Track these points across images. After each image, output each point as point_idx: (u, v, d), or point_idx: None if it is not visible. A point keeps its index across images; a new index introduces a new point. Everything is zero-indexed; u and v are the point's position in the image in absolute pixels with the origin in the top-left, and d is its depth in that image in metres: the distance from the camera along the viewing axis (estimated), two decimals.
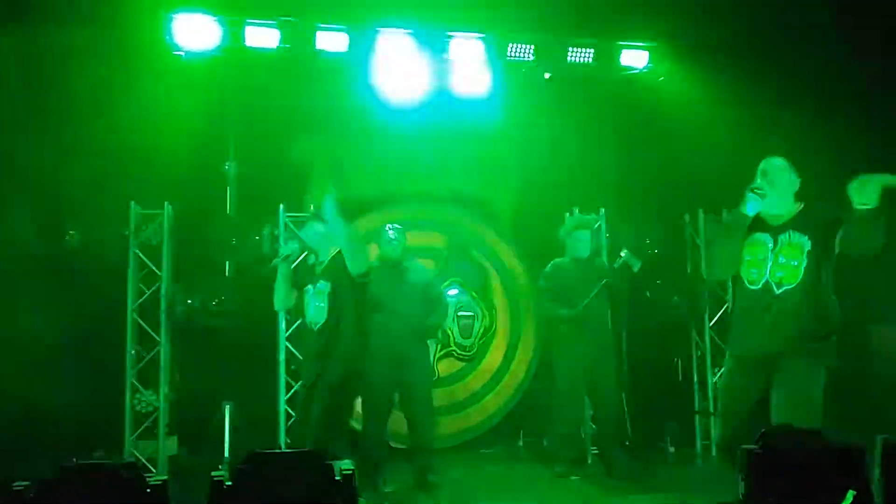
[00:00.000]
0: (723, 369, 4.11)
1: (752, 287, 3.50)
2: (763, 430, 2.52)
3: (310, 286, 4.43)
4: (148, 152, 5.63)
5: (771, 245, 3.47)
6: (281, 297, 4.54)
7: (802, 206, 3.54)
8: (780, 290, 3.43)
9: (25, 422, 5.21)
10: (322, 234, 4.48)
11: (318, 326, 4.33)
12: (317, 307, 4.35)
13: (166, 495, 2.35)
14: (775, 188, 3.49)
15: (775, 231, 3.50)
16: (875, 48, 6.07)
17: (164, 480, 2.37)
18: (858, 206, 3.21)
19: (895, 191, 3.22)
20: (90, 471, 2.35)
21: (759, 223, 3.54)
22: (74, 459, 2.42)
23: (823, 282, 3.45)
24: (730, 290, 6.56)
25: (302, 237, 4.62)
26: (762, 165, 3.58)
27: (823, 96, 6.12)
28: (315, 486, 2.35)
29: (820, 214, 3.47)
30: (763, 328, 3.44)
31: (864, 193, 3.20)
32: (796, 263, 3.41)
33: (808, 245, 3.41)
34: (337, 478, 2.34)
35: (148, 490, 2.34)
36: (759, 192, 3.45)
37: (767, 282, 3.45)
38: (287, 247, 4.50)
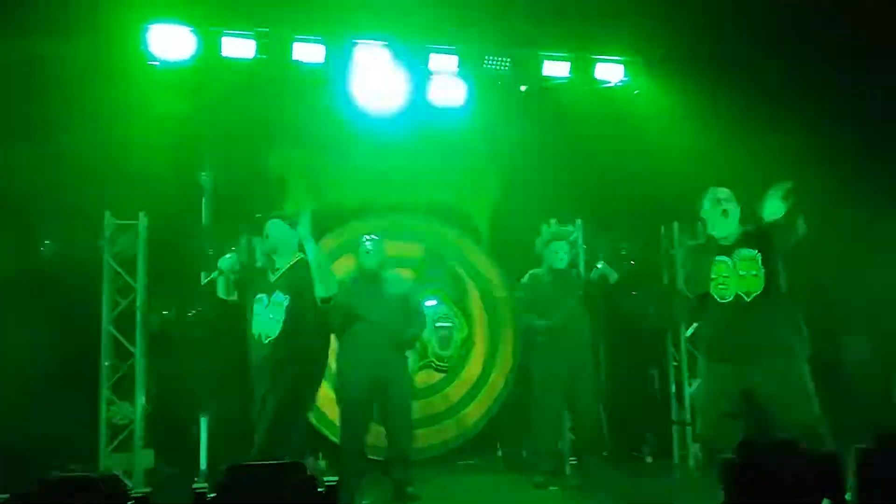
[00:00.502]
0: (700, 378, 4.43)
1: (725, 301, 3.96)
2: (741, 439, 2.56)
3: (263, 296, 4.19)
4: (123, 162, 5.57)
5: (730, 262, 3.98)
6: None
7: (744, 227, 4.08)
8: (750, 298, 3.90)
9: None
10: (285, 237, 4.25)
11: (269, 339, 4.13)
12: (269, 319, 4.13)
13: None
14: (731, 214, 4.06)
15: (729, 250, 4.02)
16: (850, 60, 6.20)
17: (146, 493, 2.34)
18: (770, 220, 3.90)
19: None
20: (71, 484, 2.31)
21: (714, 247, 4.08)
22: (55, 473, 2.38)
23: (783, 284, 3.96)
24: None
25: (268, 235, 4.29)
26: (716, 195, 4.13)
27: (799, 110, 6.23)
28: (298, 498, 2.33)
29: (757, 230, 4.02)
30: (741, 334, 3.88)
31: (769, 208, 3.90)
32: (755, 273, 3.92)
33: (759, 257, 3.94)
34: (320, 489, 2.33)
35: (131, 503, 2.30)
36: (724, 215, 4.04)
37: (737, 294, 3.94)
38: (224, 260, 4.28)
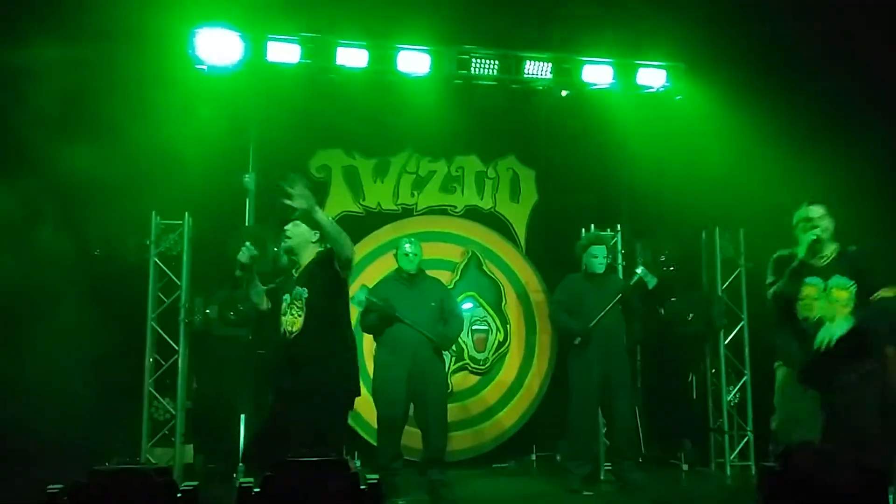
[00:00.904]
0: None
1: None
2: (784, 448, 2.54)
3: (287, 294, 4.11)
4: (169, 164, 5.69)
5: (822, 286, 3.96)
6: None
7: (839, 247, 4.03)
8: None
9: (42, 429, 5.26)
10: (303, 235, 4.14)
11: (292, 336, 3.99)
12: (292, 315, 4.02)
13: (196, 500, 2.38)
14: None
15: (823, 272, 3.96)
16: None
17: (194, 486, 2.40)
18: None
19: None
20: (122, 475, 2.37)
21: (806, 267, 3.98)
22: (107, 464, 2.45)
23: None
24: (745, 308, 6.58)
25: (287, 238, 4.17)
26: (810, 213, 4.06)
27: (840, 120, 6.14)
28: (341, 495, 2.38)
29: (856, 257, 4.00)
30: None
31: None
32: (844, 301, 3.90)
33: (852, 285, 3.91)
34: (362, 487, 2.37)
35: (179, 495, 2.37)
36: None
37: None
38: (242, 252, 4.15)
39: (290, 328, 4.00)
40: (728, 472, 6.31)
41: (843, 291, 3.90)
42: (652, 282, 5.65)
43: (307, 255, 4.18)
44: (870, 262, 3.97)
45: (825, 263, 3.98)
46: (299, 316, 3.98)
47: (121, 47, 5.59)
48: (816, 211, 4.03)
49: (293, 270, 4.23)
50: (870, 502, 2.38)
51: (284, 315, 4.07)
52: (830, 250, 4.01)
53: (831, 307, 3.89)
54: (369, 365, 5.76)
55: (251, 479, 2.46)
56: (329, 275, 3.99)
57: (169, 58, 5.93)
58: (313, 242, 4.15)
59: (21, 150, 5.33)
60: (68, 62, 5.49)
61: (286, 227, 4.19)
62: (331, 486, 2.38)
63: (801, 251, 3.96)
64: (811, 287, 3.96)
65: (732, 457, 6.41)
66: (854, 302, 3.87)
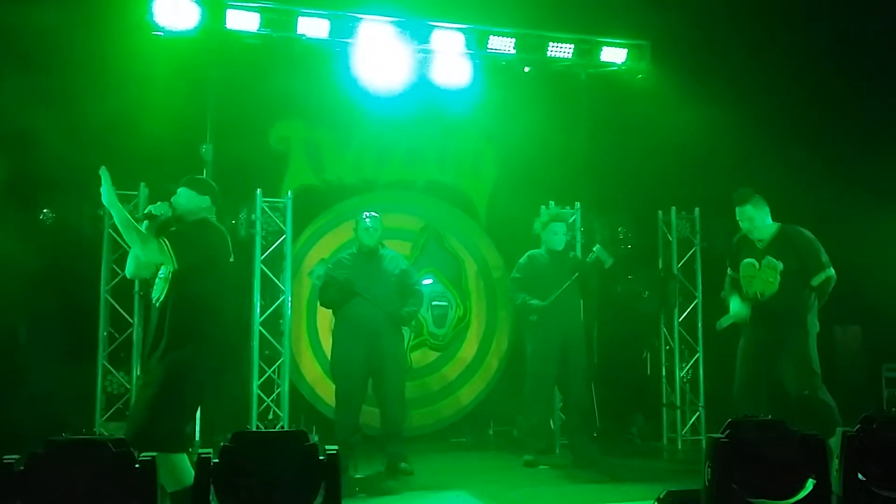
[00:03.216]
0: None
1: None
2: (730, 420, 2.61)
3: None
4: (124, 132, 5.57)
5: (757, 266, 4.72)
6: (139, 263, 3.72)
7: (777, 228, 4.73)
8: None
9: None
10: (190, 201, 3.80)
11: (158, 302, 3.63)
12: (159, 280, 3.65)
13: (154, 472, 2.36)
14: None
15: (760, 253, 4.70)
16: (854, 49, 6.22)
17: (152, 457, 2.38)
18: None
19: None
20: (79, 445, 2.35)
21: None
22: (63, 434, 2.42)
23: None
24: (699, 286, 6.71)
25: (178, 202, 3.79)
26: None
27: (798, 102, 6.26)
28: (300, 465, 2.38)
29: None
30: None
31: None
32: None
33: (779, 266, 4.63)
34: (321, 458, 2.38)
35: (136, 466, 2.35)
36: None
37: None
38: (157, 206, 3.77)
39: (157, 295, 3.69)
40: (679, 447, 6.46)
41: (772, 270, 4.62)
42: (608, 261, 5.72)
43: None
44: (804, 240, 4.63)
45: (763, 246, 4.69)
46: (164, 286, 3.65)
47: (77, 10, 5.43)
48: (740, 213, 4.72)
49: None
50: (811, 469, 2.47)
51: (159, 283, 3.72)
52: (768, 233, 4.69)
53: (765, 283, 4.62)
54: (328, 340, 5.75)
55: (209, 450, 2.45)
56: (198, 244, 3.70)
57: (126, 22, 5.78)
58: (200, 210, 3.80)
59: None
60: (21, 25, 5.32)
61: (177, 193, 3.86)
62: (288, 456, 2.39)
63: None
64: (748, 266, 4.73)
65: (684, 431, 6.57)
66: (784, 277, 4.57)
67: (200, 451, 2.46)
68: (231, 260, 3.85)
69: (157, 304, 3.65)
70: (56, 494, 2.32)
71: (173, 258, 3.60)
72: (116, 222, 3.67)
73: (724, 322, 4.85)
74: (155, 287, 3.72)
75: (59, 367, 5.45)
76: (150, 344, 3.62)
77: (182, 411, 3.54)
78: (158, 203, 3.82)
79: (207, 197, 3.84)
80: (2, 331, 5.33)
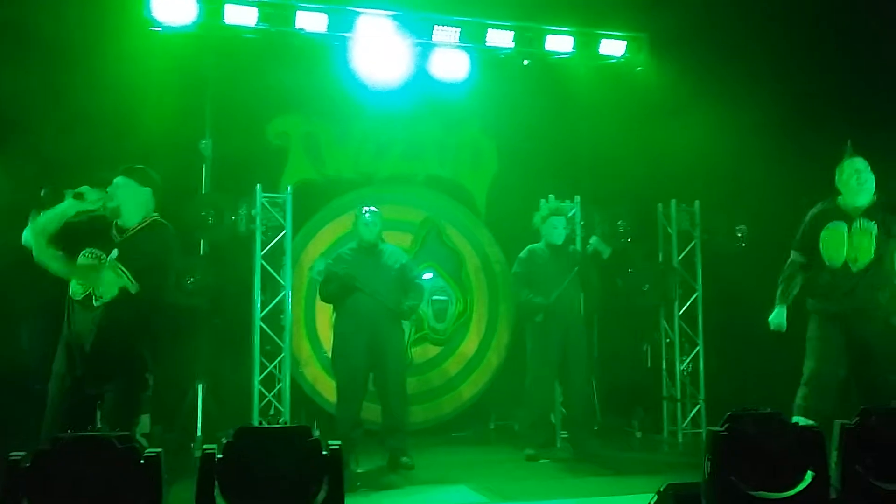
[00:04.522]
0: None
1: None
2: (729, 413, 2.63)
3: (95, 249, 3.53)
4: (123, 127, 5.56)
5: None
6: (41, 247, 3.43)
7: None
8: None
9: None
10: (135, 195, 3.56)
11: (103, 300, 3.44)
12: (109, 279, 3.42)
13: (160, 467, 2.38)
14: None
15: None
16: (857, 47, 6.20)
17: (157, 453, 2.40)
18: None
19: None
20: (85, 442, 2.37)
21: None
22: (69, 430, 2.44)
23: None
24: (699, 279, 6.72)
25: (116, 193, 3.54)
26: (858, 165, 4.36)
27: (796, 94, 6.24)
28: (303, 460, 2.40)
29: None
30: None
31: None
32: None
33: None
34: (324, 453, 2.39)
35: (142, 461, 2.37)
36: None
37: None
38: (90, 191, 3.48)
39: (105, 293, 3.51)
40: (680, 440, 6.47)
41: (867, 234, 4.24)
42: (606, 251, 5.73)
43: (137, 218, 3.66)
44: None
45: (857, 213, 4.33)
46: (114, 281, 3.47)
47: (74, 5, 5.42)
48: (850, 165, 4.33)
49: (114, 230, 3.68)
50: (810, 461, 2.48)
51: (104, 277, 3.50)
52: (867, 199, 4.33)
53: (858, 249, 4.25)
54: (329, 334, 5.76)
55: (213, 446, 2.46)
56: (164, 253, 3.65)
57: (124, 17, 5.76)
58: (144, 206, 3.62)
59: None
60: (18, 19, 5.31)
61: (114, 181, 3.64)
62: (292, 451, 2.40)
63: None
64: (835, 233, 4.33)
65: (685, 424, 6.58)
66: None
67: (205, 446, 2.47)
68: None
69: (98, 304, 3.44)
70: (62, 490, 2.35)
71: (132, 282, 3.42)
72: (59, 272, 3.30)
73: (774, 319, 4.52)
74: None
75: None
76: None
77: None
78: (91, 188, 3.50)
79: (148, 188, 3.60)
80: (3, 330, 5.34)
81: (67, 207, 3.42)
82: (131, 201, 3.55)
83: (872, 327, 4.23)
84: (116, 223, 3.60)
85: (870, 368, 4.18)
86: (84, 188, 3.47)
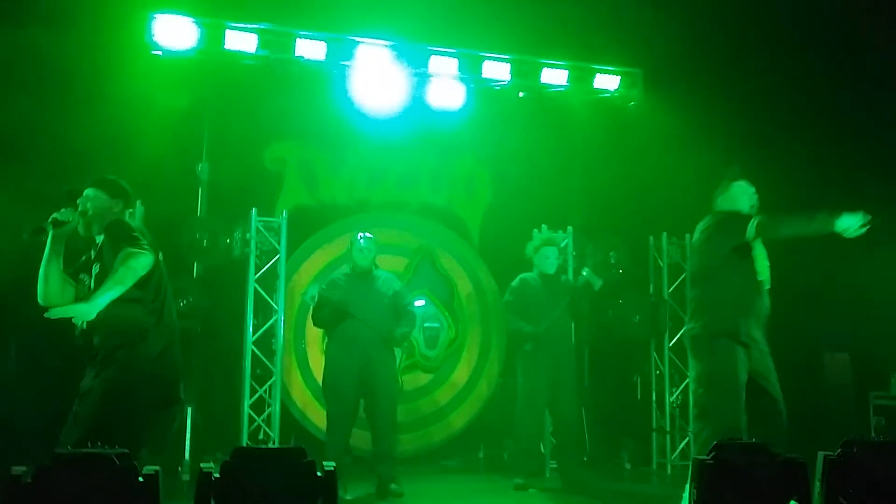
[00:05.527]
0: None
1: None
2: (715, 442, 2.66)
3: (84, 274, 3.40)
4: (121, 150, 5.61)
5: None
6: (54, 288, 3.33)
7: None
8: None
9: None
10: (103, 206, 3.37)
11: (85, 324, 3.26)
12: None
13: (158, 484, 2.39)
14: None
15: None
16: (851, 68, 6.32)
17: (156, 471, 2.41)
18: None
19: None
20: (85, 458, 2.38)
21: None
22: (68, 448, 2.46)
23: None
24: (689, 311, 6.74)
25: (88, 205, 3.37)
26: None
27: (785, 130, 6.35)
28: (298, 481, 2.42)
29: None
30: None
31: None
32: None
33: None
34: (319, 474, 2.41)
35: (140, 479, 2.38)
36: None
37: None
38: (63, 213, 3.31)
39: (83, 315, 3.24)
40: (669, 472, 6.48)
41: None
42: (598, 283, 5.76)
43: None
44: None
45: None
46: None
47: (76, 29, 5.49)
48: (746, 187, 4.52)
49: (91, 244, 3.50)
50: (794, 491, 2.51)
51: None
52: None
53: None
54: (319, 359, 5.76)
55: (211, 465, 2.47)
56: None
57: (125, 42, 5.85)
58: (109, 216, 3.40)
59: None
60: (21, 44, 5.38)
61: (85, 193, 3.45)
62: (288, 473, 2.42)
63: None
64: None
65: (674, 456, 6.59)
66: None
67: (202, 465, 2.49)
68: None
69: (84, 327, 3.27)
70: None
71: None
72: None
73: None
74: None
75: (54, 386, 5.44)
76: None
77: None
78: (63, 210, 3.34)
79: (120, 200, 3.45)
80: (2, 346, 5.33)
81: (52, 241, 3.30)
82: (103, 215, 3.38)
83: None
84: (94, 238, 3.43)
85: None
86: (55, 214, 3.34)
